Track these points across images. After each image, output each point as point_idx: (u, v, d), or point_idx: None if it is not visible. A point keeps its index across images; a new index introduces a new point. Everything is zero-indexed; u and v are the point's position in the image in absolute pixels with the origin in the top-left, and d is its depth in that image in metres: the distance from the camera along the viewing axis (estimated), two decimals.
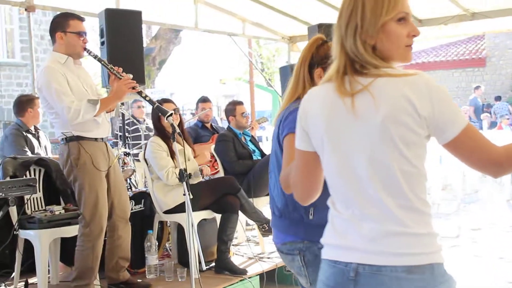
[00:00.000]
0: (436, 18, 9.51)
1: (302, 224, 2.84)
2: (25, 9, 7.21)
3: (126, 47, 6.63)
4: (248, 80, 18.69)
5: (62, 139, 4.79)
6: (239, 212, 5.82)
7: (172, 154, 5.62)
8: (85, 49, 4.84)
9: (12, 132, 6.37)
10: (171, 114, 4.62)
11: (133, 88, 4.77)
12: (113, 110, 5.15)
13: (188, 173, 4.62)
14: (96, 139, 4.84)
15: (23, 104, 6.56)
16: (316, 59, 2.92)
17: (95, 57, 4.87)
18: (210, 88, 29.01)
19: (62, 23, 4.81)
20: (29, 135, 6.44)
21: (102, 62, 4.86)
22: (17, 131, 6.37)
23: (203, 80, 33.48)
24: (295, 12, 9.97)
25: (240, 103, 7.37)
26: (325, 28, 7.73)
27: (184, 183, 4.53)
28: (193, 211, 4.69)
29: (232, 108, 7.20)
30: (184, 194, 4.56)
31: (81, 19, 4.89)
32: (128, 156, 6.71)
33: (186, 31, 14.35)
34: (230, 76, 34.99)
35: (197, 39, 31.50)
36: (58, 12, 5.76)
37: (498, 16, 8.96)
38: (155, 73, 17.44)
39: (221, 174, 6.79)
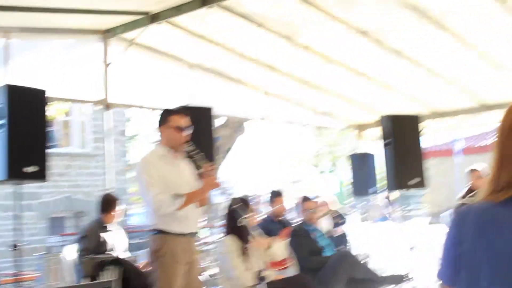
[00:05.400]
0: (506, 103, 9.34)
1: None
2: (104, 107, 7.43)
3: (198, 142, 6.68)
4: (315, 166, 18.71)
5: (151, 230, 4.83)
6: None
7: (246, 254, 5.57)
8: (186, 142, 4.88)
9: (87, 229, 6.46)
10: (246, 217, 4.56)
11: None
12: (205, 205, 5.11)
13: (262, 276, 4.50)
14: (180, 234, 4.79)
15: (111, 203, 6.68)
16: None
17: (193, 151, 4.84)
18: (275, 174, 29.06)
19: (164, 118, 4.93)
20: (104, 234, 6.49)
21: (197, 157, 4.83)
22: (93, 228, 6.45)
23: (268, 165, 33.62)
24: (362, 100, 10.02)
25: (305, 199, 7.36)
26: (397, 118, 7.75)
27: (262, 284, 4.43)
28: None
29: (299, 204, 7.22)
30: None
31: (183, 114, 4.97)
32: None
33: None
34: (296, 161, 35.02)
35: (261, 126, 31.82)
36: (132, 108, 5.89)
37: None
38: (220, 161, 17.57)
39: (295, 268, 6.67)
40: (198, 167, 4.90)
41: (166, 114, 4.95)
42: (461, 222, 2.01)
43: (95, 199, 6.97)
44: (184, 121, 4.91)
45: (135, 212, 21.96)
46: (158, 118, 5.00)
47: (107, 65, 7.32)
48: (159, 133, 4.95)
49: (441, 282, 2.05)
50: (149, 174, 4.69)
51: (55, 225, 18.37)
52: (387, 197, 9.02)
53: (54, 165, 17.98)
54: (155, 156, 4.85)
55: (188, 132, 4.90)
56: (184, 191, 4.74)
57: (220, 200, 5.87)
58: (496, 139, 2.03)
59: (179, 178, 4.85)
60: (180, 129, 4.86)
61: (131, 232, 15.57)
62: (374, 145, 8.83)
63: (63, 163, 18.36)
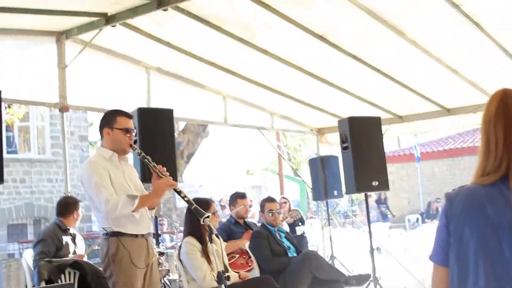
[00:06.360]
0: (465, 106, 9.52)
1: None
2: (59, 110, 7.35)
3: (158, 144, 6.69)
4: (277, 172, 18.70)
5: (103, 234, 4.71)
6: None
7: (207, 255, 5.55)
8: (130, 145, 4.81)
9: (45, 232, 6.34)
10: (208, 216, 4.54)
11: (174, 188, 4.76)
12: (154, 208, 5.01)
13: (226, 275, 4.50)
14: (136, 235, 4.71)
15: (70, 206, 6.57)
16: None
17: (140, 154, 4.78)
18: (237, 179, 29.04)
19: (109, 119, 4.83)
20: (66, 237, 6.40)
21: (146, 160, 4.74)
22: (51, 232, 6.33)
23: (231, 171, 33.60)
24: (323, 104, 10.07)
25: (269, 200, 7.36)
26: (355, 121, 7.81)
27: (223, 286, 4.42)
28: None
29: (262, 205, 7.24)
30: None
31: (129, 116, 4.89)
32: (162, 256, 6.63)
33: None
34: (257, 167, 35.08)
35: (225, 131, 31.81)
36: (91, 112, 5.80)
37: None
38: (183, 166, 17.53)
39: (256, 271, 6.67)
40: (148, 169, 4.84)
41: (112, 115, 4.85)
42: (450, 203, 2.15)
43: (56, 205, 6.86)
44: (130, 122, 4.85)
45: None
46: (102, 119, 4.90)
47: (63, 67, 7.24)
48: (103, 135, 4.83)
49: (433, 264, 2.17)
50: (99, 176, 4.59)
51: (15, 232, 18.12)
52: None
53: (14, 171, 17.89)
54: (101, 158, 4.74)
55: (133, 134, 4.85)
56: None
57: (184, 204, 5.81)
58: (482, 126, 2.19)
59: (126, 182, 4.76)
60: (127, 131, 4.79)
61: (93, 238, 15.46)
62: (338, 149, 8.86)
63: (23, 169, 18.13)
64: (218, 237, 4.78)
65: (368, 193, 21.00)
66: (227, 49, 7.85)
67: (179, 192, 4.73)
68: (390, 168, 26.59)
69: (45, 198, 18.51)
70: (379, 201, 21.56)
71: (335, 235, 11.14)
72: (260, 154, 33.50)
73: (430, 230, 11.03)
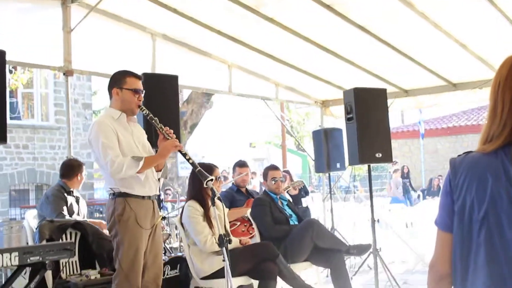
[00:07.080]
0: (471, 82, 9.46)
1: None
2: (64, 73, 7.32)
3: (162, 110, 6.63)
4: (279, 144, 18.70)
5: (110, 194, 4.74)
6: (278, 278, 5.69)
7: (209, 219, 5.56)
8: (139, 106, 4.81)
9: (53, 193, 6.35)
10: (211, 179, 4.54)
11: (179, 150, 4.75)
12: (161, 170, 5.00)
13: (228, 238, 4.51)
14: (143, 197, 4.73)
15: (74, 168, 6.57)
16: None
17: (147, 115, 4.78)
18: (240, 152, 29.07)
19: (119, 79, 4.81)
20: (70, 198, 6.42)
21: (153, 121, 4.76)
22: (59, 192, 6.36)
23: (234, 143, 33.63)
24: (328, 76, 10.02)
25: (273, 167, 7.36)
26: (361, 92, 7.77)
27: (224, 249, 4.44)
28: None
29: (265, 173, 7.24)
30: (224, 260, 4.46)
31: (138, 77, 4.88)
32: (163, 220, 6.66)
33: (218, 95, 14.49)
34: (260, 140, 35.09)
35: (229, 102, 31.74)
36: (96, 77, 5.76)
37: None
38: (186, 136, 17.52)
39: (258, 239, 6.69)
40: (155, 131, 4.84)
41: (121, 76, 4.83)
42: (454, 172, 2.16)
43: (58, 171, 6.87)
44: (139, 83, 4.84)
45: (99, 187, 21.89)
46: (111, 80, 4.88)
47: (68, 31, 7.20)
48: (112, 95, 4.83)
49: (438, 229, 2.20)
50: (106, 137, 4.59)
51: (17, 197, 18.23)
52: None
53: (17, 137, 17.91)
54: (110, 119, 4.74)
55: (142, 95, 4.84)
56: (140, 156, 4.68)
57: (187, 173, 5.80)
58: (491, 90, 2.16)
59: (134, 142, 4.77)
60: (136, 91, 4.78)
61: (95, 205, 15.53)
62: (342, 122, 8.84)
63: (26, 135, 18.16)
64: (220, 201, 4.79)
65: (394, 169, 20.76)
66: (233, 17, 7.80)
67: (184, 155, 4.74)
68: (393, 144, 26.23)
69: (47, 164, 18.57)
70: (402, 175, 21.19)
71: (336, 209, 11.15)
72: (263, 127, 33.52)
73: (430, 207, 11.04)
